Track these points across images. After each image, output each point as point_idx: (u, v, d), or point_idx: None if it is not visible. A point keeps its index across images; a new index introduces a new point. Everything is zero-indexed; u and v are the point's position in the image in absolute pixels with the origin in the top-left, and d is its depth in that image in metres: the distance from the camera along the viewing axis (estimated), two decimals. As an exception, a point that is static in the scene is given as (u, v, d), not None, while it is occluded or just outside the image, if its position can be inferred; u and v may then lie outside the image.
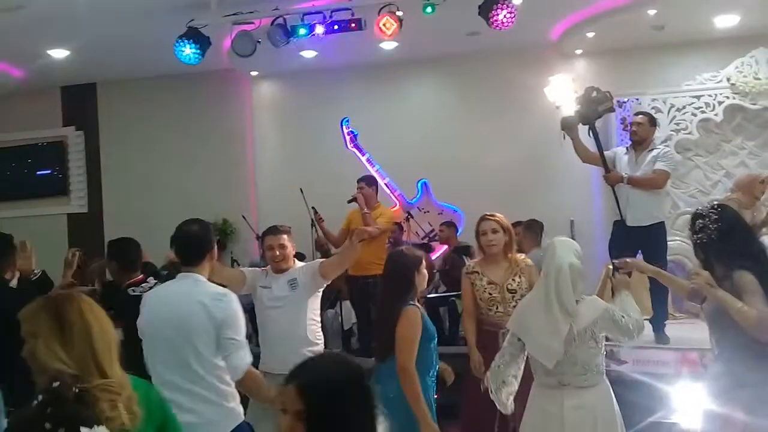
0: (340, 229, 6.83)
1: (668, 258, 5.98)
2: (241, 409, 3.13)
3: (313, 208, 7.09)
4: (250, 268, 4.63)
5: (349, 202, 6.72)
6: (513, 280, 4.15)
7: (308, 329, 4.15)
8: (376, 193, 6.85)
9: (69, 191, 9.60)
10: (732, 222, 3.19)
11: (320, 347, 4.20)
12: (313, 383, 1.69)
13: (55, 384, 1.75)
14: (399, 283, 3.47)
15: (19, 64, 8.26)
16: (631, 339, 3.31)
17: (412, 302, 3.44)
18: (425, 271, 3.56)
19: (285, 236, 4.23)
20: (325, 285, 4.25)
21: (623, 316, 3.21)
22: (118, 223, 9.09)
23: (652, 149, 5.74)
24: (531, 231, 6.59)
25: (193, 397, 2.97)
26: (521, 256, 4.34)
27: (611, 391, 3.24)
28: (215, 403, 3.02)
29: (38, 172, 9.61)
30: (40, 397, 1.72)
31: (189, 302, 3.04)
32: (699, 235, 3.20)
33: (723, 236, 3.12)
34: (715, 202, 3.49)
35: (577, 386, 3.12)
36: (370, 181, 6.87)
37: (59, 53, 7.83)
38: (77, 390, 1.75)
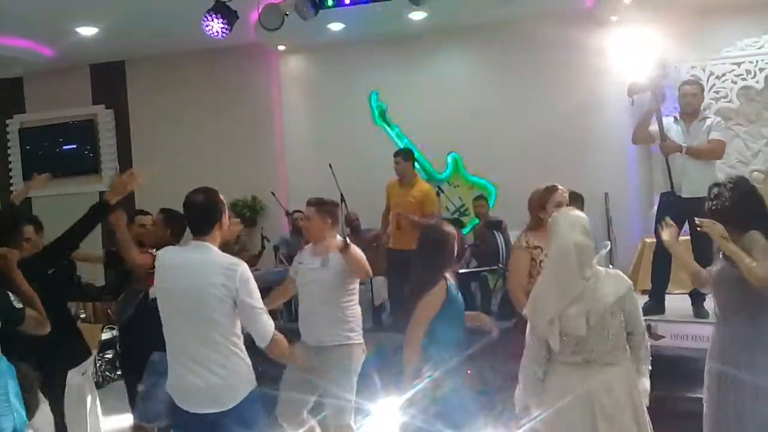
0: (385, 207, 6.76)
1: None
2: (253, 375, 3.17)
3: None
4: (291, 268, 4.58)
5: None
6: None
7: (338, 307, 4.12)
8: (413, 166, 6.68)
9: (100, 169, 9.68)
10: (747, 192, 3.26)
11: (354, 326, 4.16)
12: None
13: None
14: (432, 256, 3.43)
15: (48, 43, 8.29)
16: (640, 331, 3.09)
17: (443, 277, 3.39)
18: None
19: (310, 209, 4.21)
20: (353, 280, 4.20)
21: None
22: (149, 200, 9.13)
23: (704, 119, 5.54)
24: (575, 204, 6.27)
25: (211, 364, 3.02)
26: None
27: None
28: (231, 369, 3.07)
29: (69, 151, 9.68)
30: None
31: (205, 272, 3.05)
32: (714, 202, 3.28)
33: (736, 203, 3.20)
34: (735, 176, 3.55)
35: (604, 363, 2.96)
36: (406, 155, 6.63)
37: (87, 31, 7.82)
38: None
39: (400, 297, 6.62)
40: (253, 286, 3.10)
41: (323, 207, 4.21)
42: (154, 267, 3.31)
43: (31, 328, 3.03)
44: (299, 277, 4.24)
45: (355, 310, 4.22)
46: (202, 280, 3.04)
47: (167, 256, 3.22)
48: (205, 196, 3.19)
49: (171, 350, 3.12)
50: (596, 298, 2.92)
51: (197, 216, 3.19)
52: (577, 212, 3.13)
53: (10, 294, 2.93)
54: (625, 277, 3.07)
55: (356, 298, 4.26)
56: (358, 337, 4.16)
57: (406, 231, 6.27)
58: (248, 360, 3.16)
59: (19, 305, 2.92)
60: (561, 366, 3.04)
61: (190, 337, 3.06)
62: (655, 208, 5.86)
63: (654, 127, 5.53)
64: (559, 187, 3.96)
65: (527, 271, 3.90)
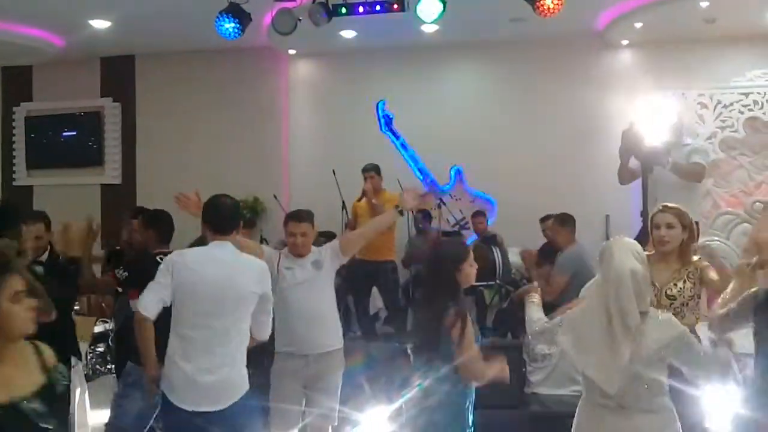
0: (349, 222, 7.04)
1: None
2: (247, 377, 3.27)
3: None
4: (268, 248, 4.57)
5: (360, 199, 6.87)
6: (675, 284, 3.57)
7: (333, 309, 4.22)
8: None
9: (104, 162, 9.68)
10: None
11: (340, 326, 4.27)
12: None
13: None
14: (441, 280, 3.18)
15: (60, 33, 8.32)
16: (707, 376, 2.78)
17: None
18: (469, 269, 3.20)
19: (307, 225, 4.20)
20: (343, 262, 4.29)
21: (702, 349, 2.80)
22: (150, 195, 9.15)
23: (686, 145, 5.52)
24: (567, 225, 6.20)
25: (224, 359, 3.12)
26: (698, 258, 3.64)
27: (675, 415, 2.84)
28: (238, 367, 3.19)
29: (74, 142, 9.67)
30: None
31: (242, 271, 3.22)
32: None
33: None
34: None
35: (641, 410, 2.73)
36: (378, 169, 6.85)
37: (100, 24, 7.85)
38: None
39: (366, 305, 7.00)
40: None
41: (312, 218, 4.24)
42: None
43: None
44: (285, 281, 4.10)
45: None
46: (240, 277, 3.19)
47: (190, 256, 3.29)
48: (231, 200, 3.42)
49: (182, 346, 3.11)
50: (639, 342, 2.68)
51: (224, 215, 3.34)
52: (628, 239, 2.93)
53: None
54: (676, 323, 2.80)
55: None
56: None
57: (375, 242, 6.23)
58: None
59: None
60: (591, 406, 2.86)
61: (216, 331, 3.11)
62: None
63: (634, 163, 5.51)
64: (666, 206, 3.65)
65: None
